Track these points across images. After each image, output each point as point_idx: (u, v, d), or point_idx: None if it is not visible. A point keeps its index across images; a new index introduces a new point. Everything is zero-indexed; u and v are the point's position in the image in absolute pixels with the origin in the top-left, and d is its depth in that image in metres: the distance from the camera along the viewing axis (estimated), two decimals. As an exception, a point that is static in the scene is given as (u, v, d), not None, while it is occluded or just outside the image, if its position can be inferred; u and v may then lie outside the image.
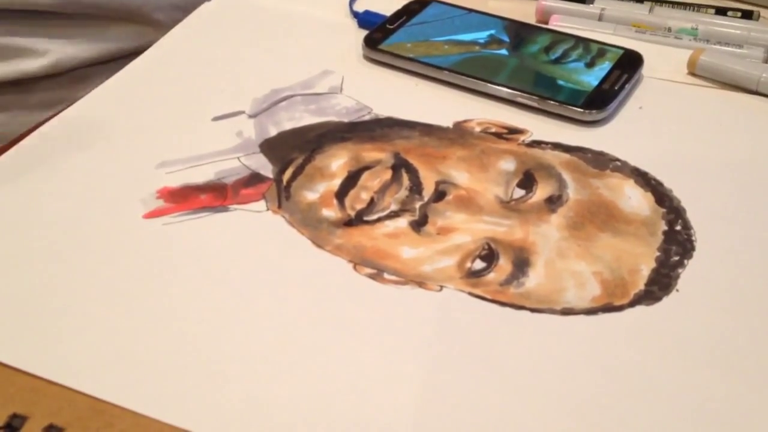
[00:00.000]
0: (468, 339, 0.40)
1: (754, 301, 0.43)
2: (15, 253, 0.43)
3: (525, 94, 0.55)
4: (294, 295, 0.42)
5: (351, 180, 0.49)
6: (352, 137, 0.52)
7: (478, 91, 0.57)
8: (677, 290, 0.43)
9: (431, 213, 0.47)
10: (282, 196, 0.48)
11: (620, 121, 0.55)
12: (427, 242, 0.45)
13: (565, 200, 0.48)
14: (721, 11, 0.66)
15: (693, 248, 0.45)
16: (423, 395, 0.37)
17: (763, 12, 0.66)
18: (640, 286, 0.43)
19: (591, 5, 0.66)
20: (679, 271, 0.44)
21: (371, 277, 0.43)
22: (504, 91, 0.56)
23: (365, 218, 0.46)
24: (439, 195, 0.48)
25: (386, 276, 0.43)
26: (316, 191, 0.48)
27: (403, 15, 0.63)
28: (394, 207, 0.47)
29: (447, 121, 0.54)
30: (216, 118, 0.53)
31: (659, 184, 0.49)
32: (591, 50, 0.60)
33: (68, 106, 0.54)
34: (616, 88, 0.56)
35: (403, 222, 0.46)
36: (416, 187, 0.48)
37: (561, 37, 0.62)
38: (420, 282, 0.43)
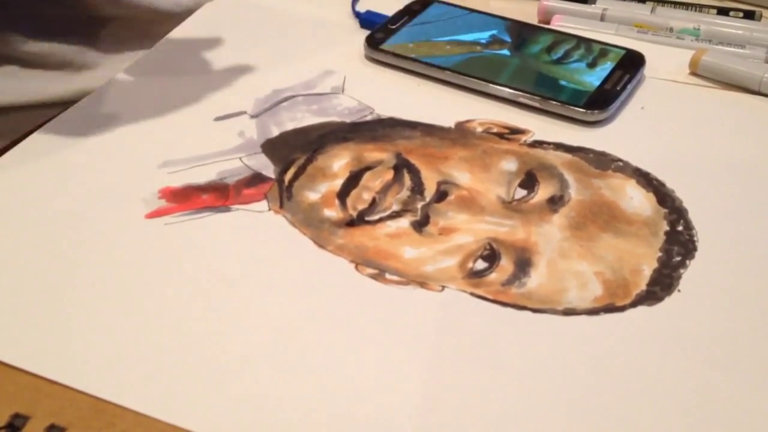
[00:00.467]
0: (470, 339, 0.40)
1: (755, 302, 0.43)
2: (17, 252, 0.43)
3: (527, 95, 0.55)
4: (296, 295, 0.42)
5: (353, 180, 0.49)
6: (354, 137, 0.52)
7: (480, 91, 0.57)
8: (679, 290, 0.43)
9: (433, 213, 0.47)
10: (284, 196, 0.48)
11: (622, 121, 0.55)
12: (428, 242, 0.45)
13: (567, 200, 0.48)
14: (723, 11, 0.66)
15: (695, 249, 0.45)
16: (425, 395, 0.37)
17: (765, 12, 0.66)
18: (642, 286, 0.43)
19: (593, 5, 0.66)
20: (681, 271, 0.44)
21: (373, 277, 0.43)
22: (506, 91, 0.56)
23: (367, 218, 0.46)
24: (441, 195, 0.48)
25: (388, 276, 0.43)
26: (317, 191, 0.48)
27: (405, 15, 0.63)
28: (395, 207, 0.47)
29: (449, 122, 0.54)
30: (218, 119, 0.54)
31: (661, 184, 0.49)
32: (593, 50, 0.60)
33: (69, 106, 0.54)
34: (617, 88, 0.56)
35: (404, 222, 0.46)
36: (418, 188, 0.48)
37: (563, 37, 0.62)
38: (422, 282, 0.43)
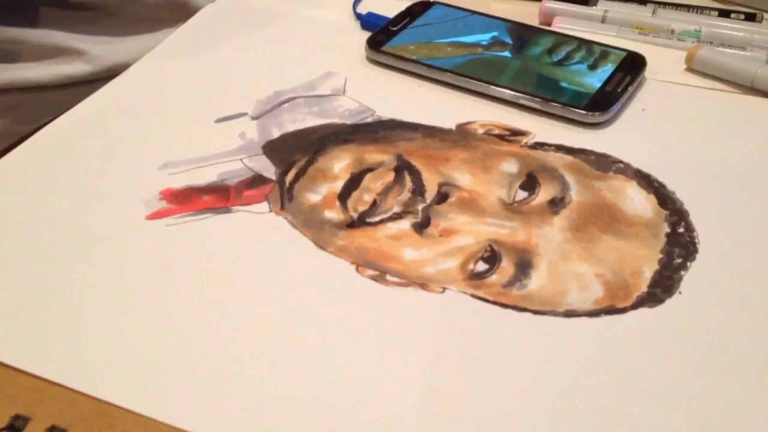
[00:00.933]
0: (470, 341, 0.40)
1: (756, 304, 0.42)
2: (18, 254, 0.43)
3: (528, 96, 0.55)
4: (296, 296, 0.42)
5: (353, 182, 0.49)
6: (355, 139, 0.52)
7: (481, 93, 0.57)
8: (680, 292, 0.43)
9: (434, 215, 0.47)
10: (284, 197, 0.48)
11: (623, 123, 0.55)
12: (429, 244, 0.45)
13: (568, 202, 0.48)
14: (724, 13, 0.66)
15: (696, 250, 0.45)
16: (425, 397, 0.37)
17: (766, 15, 0.66)
18: (643, 288, 0.43)
19: (594, 7, 0.66)
20: (682, 273, 0.44)
21: (374, 278, 0.43)
22: (507, 93, 0.56)
23: (368, 220, 0.46)
24: (442, 197, 0.48)
25: (389, 278, 0.43)
26: (318, 193, 0.48)
27: (406, 17, 0.63)
28: (396, 209, 0.47)
29: (450, 123, 0.54)
30: (219, 120, 0.54)
31: (662, 186, 0.49)
32: (594, 52, 0.60)
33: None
34: (618, 90, 0.56)
35: (405, 224, 0.46)
36: (419, 189, 0.48)
37: (564, 39, 0.62)
38: (422, 284, 0.43)
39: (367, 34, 0.61)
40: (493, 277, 0.43)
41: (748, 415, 0.37)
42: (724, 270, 0.44)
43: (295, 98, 0.56)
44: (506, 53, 0.60)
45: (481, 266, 0.44)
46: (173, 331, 0.40)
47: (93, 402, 0.36)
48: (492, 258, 0.44)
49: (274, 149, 0.51)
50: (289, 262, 0.44)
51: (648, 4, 0.67)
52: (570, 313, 0.41)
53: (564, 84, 0.57)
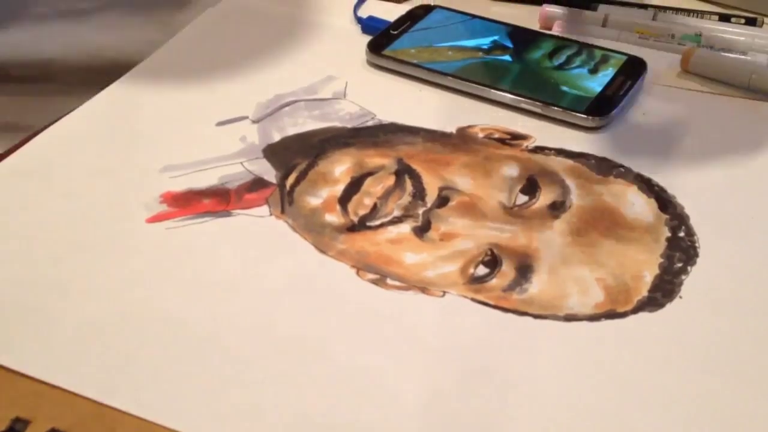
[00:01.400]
0: (471, 345, 0.40)
1: (757, 308, 0.42)
2: (18, 257, 0.43)
3: (528, 100, 0.55)
4: (297, 300, 0.42)
5: (354, 186, 0.49)
6: (356, 143, 0.52)
7: (482, 96, 0.57)
8: (680, 297, 0.43)
9: (434, 219, 0.46)
10: (285, 201, 0.48)
11: (624, 127, 0.55)
12: (430, 248, 0.45)
13: (569, 206, 0.48)
14: (724, 18, 0.66)
15: (696, 255, 0.45)
16: (426, 401, 0.37)
17: (767, 19, 0.66)
18: (644, 292, 0.43)
19: (594, 11, 0.66)
20: (683, 277, 0.44)
21: (374, 282, 0.43)
22: (507, 97, 0.56)
23: (368, 224, 0.46)
24: (443, 201, 0.48)
25: (389, 281, 0.43)
26: (319, 197, 0.48)
27: (407, 20, 0.63)
28: (397, 213, 0.47)
29: (450, 127, 0.54)
30: (220, 123, 0.54)
31: (662, 190, 0.49)
32: (594, 56, 0.60)
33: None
34: (619, 94, 0.56)
35: (406, 228, 0.46)
36: (419, 193, 0.48)
37: (564, 43, 0.62)
38: (423, 287, 0.43)
39: (367, 38, 0.61)
40: (494, 281, 0.43)
41: (748, 420, 0.37)
42: (724, 274, 0.44)
43: (296, 102, 0.56)
44: (507, 57, 0.60)
45: (482, 270, 0.44)
46: (173, 333, 0.40)
47: (93, 405, 0.36)
48: (492, 262, 0.44)
49: (275, 153, 0.51)
50: (290, 266, 0.44)
51: (648, 9, 0.67)
52: (570, 318, 0.41)
53: (564, 88, 0.57)
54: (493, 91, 0.56)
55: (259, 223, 0.46)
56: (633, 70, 0.58)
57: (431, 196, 0.48)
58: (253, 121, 0.54)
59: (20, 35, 0.64)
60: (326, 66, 0.59)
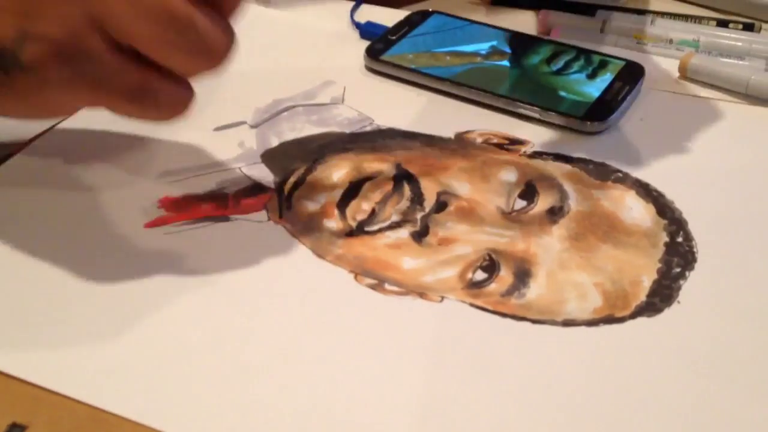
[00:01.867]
0: (469, 350, 0.40)
1: (756, 313, 0.42)
2: (16, 261, 0.43)
3: (526, 105, 0.55)
4: (295, 305, 0.42)
5: (352, 190, 0.49)
6: (354, 148, 0.52)
7: (480, 102, 0.57)
8: (678, 302, 0.43)
9: (432, 224, 0.46)
10: (283, 206, 0.48)
11: (622, 132, 0.55)
12: (428, 253, 0.45)
13: (567, 211, 0.48)
14: (722, 23, 0.66)
15: (695, 260, 0.45)
16: (424, 406, 0.37)
17: (765, 25, 0.66)
18: (642, 297, 0.43)
19: (593, 17, 0.66)
20: (681, 282, 0.44)
21: (372, 287, 0.43)
22: (505, 102, 0.56)
23: (366, 229, 0.46)
24: (441, 206, 0.48)
25: (387, 287, 0.43)
26: (317, 202, 0.48)
27: (405, 26, 0.64)
28: (395, 218, 0.47)
29: (448, 132, 0.54)
30: (218, 129, 0.54)
31: (661, 195, 0.49)
32: (593, 61, 0.60)
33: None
34: (617, 99, 0.56)
35: (404, 233, 0.46)
36: (417, 198, 0.48)
37: (563, 48, 0.62)
38: (421, 293, 0.43)
39: (365, 43, 0.61)
40: (492, 286, 0.43)
41: (747, 425, 0.37)
42: (722, 279, 0.44)
43: (294, 107, 0.56)
44: (505, 62, 0.60)
45: (480, 275, 0.44)
46: (171, 338, 0.40)
47: (91, 410, 0.36)
48: (491, 267, 0.44)
49: (273, 158, 0.51)
50: (288, 271, 0.44)
51: (647, 14, 0.67)
52: (569, 323, 0.41)
53: (563, 93, 0.57)
54: (491, 96, 0.56)
55: (257, 228, 0.46)
56: (631, 75, 0.59)
57: (429, 201, 0.48)
58: (252, 126, 0.54)
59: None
60: (324, 71, 0.59)
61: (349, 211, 0.47)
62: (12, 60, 0.38)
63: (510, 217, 0.47)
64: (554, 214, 0.48)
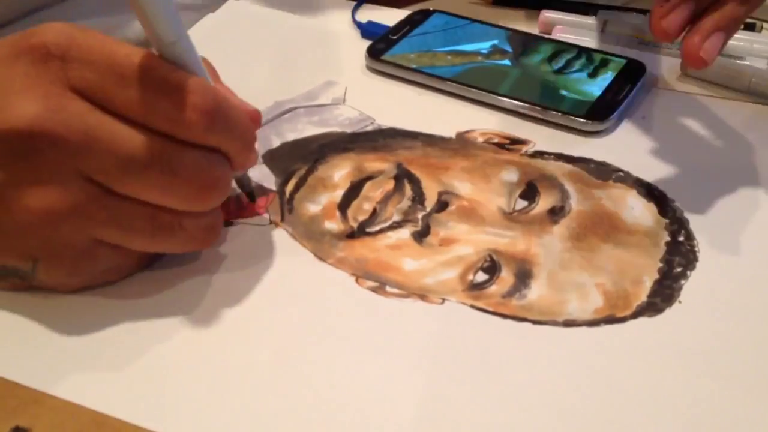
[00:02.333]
0: (470, 351, 0.40)
1: (757, 313, 0.42)
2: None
3: (528, 105, 0.55)
4: (296, 309, 0.42)
5: (353, 190, 0.49)
6: (355, 148, 0.52)
7: (481, 101, 0.57)
8: (680, 302, 0.43)
9: (433, 223, 0.47)
10: (285, 208, 0.48)
11: (623, 131, 0.55)
12: (429, 253, 0.45)
13: (568, 211, 0.48)
14: (723, 22, 0.66)
15: (696, 259, 0.45)
16: (425, 408, 0.37)
17: (765, 25, 0.66)
18: (643, 297, 0.43)
19: (594, 16, 0.66)
20: (682, 282, 0.44)
21: (373, 290, 0.43)
22: (507, 101, 0.56)
23: (367, 230, 0.46)
24: (442, 205, 0.48)
25: (388, 289, 0.43)
26: (318, 203, 0.48)
27: (406, 25, 0.63)
28: (396, 217, 0.47)
29: (450, 132, 0.54)
30: (219, 129, 0.54)
31: (662, 194, 0.49)
32: (594, 60, 0.60)
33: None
34: (618, 98, 0.56)
35: (405, 233, 0.46)
36: (419, 198, 0.48)
37: (564, 47, 0.62)
38: (422, 295, 0.43)
39: (367, 43, 0.61)
40: (493, 288, 0.43)
41: (748, 424, 0.37)
42: (724, 279, 0.44)
43: (295, 108, 0.56)
44: (506, 62, 0.60)
45: (481, 276, 0.44)
46: (172, 343, 0.40)
47: (92, 414, 0.36)
48: (492, 268, 0.44)
49: (275, 158, 0.51)
50: (290, 275, 0.44)
51: (648, 14, 0.67)
52: (570, 323, 0.41)
53: (564, 92, 0.57)
54: (492, 95, 0.56)
55: (259, 231, 0.46)
56: (632, 73, 0.59)
57: (430, 201, 0.48)
58: (253, 127, 0.54)
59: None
60: (325, 71, 0.59)
61: (350, 211, 0.47)
62: (28, 276, 0.40)
63: (511, 217, 0.47)
64: (555, 213, 0.48)
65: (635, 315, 0.42)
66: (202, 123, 0.38)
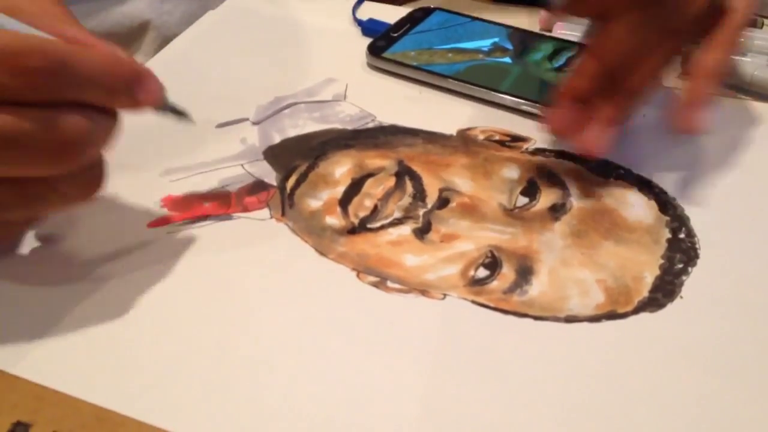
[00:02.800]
0: (471, 347, 0.40)
1: (758, 308, 0.42)
2: (19, 262, 0.43)
3: (528, 102, 0.55)
4: (297, 303, 0.42)
5: (354, 187, 0.49)
6: (356, 144, 0.52)
7: (482, 98, 0.57)
8: (681, 297, 0.43)
9: (435, 220, 0.47)
10: (286, 203, 0.48)
11: (624, 128, 0.55)
12: (430, 250, 0.45)
13: (569, 208, 0.48)
14: (724, 19, 0.66)
15: (697, 256, 0.45)
16: (426, 403, 0.37)
17: (767, 21, 0.66)
18: (644, 293, 0.43)
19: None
20: (683, 278, 0.44)
21: (374, 285, 0.43)
22: (507, 99, 0.56)
23: (369, 226, 0.46)
24: (443, 202, 0.48)
25: (389, 284, 0.43)
26: (319, 199, 0.48)
27: (407, 23, 0.63)
28: (397, 214, 0.47)
29: (450, 129, 0.54)
30: (220, 125, 0.54)
31: (663, 191, 0.49)
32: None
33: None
34: (619, 95, 0.56)
35: (406, 229, 0.46)
36: (420, 194, 0.48)
37: (564, 44, 0.62)
38: (423, 290, 0.43)
39: (367, 40, 0.61)
40: (494, 284, 0.43)
41: (749, 419, 0.37)
42: (725, 274, 0.44)
43: (296, 104, 0.56)
44: (507, 59, 0.60)
45: (482, 272, 0.44)
46: (174, 337, 0.40)
47: (94, 409, 0.36)
48: (493, 264, 0.44)
49: (275, 154, 0.51)
50: (290, 270, 0.44)
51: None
52: (571, 319, 0.41)
53: (565, 90, 0.57)
54: (493, 93, 0.56)
55: (259, 226, 0.46)
56: (633, 71, 0.58)
57: (432, 198, 0.48)
58: (254, 123, 0.54)
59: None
60: (326, 68, 0.59)
61: (351, 207, 0.47)
62: None
63: (512, 214, 0.47)
64: (556, 210, 0.48)
65: (636, 310, 0.42)
66: (42, 82, 0.36)
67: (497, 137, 0.54)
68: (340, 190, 0.48)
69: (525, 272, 0.44)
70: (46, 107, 0.36)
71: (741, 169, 0.52)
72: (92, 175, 0.40)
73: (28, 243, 0.44)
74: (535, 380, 0.38)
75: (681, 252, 0.45)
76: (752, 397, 0.38)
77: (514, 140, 0.53)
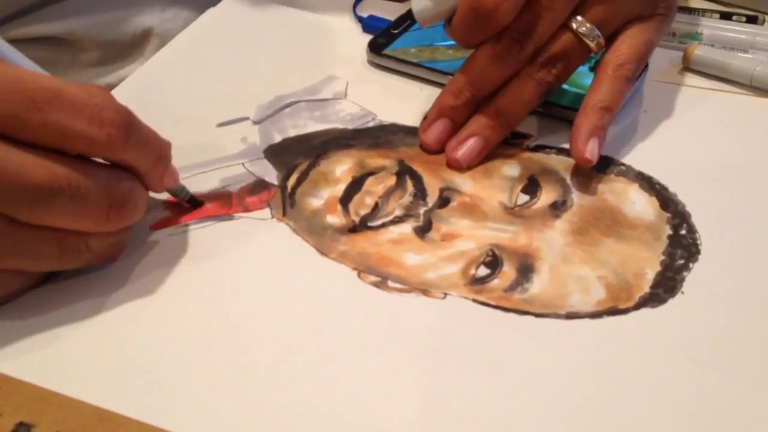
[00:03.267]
0: (472, 345, 0.40)
1: (759, 304, 0.43)
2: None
3: (529, 99, 0.55)
4: (299, 303, 0.42)
5: (355, 185, 0.49)
6: (356, 144, 0.52)
7: (483, 96, 0.57)
8: (683, 292, 0.43)
9: (435, 219, 0.47)
10: (286, 203, 0.48)
11: (625, 125, 0.55)
12: (431, 249, 0.45)
13: (570, 206, 0.48)
14: (725, 16, 0.66)
15: (698, 252, 0.45)
16: (428, 402, 0.37)
17: (768, 17, 0.66)
18: (645, 289, 0.43)
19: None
20: (685, 274, 0.44)
21: (375, 284, 0.43)
22: (508, 95, 0.56)
23: (369, 224, 0.46)
24: (444, 201, 0.48)
25: (390, 284, 0.43)
26: (320, 197, 0.48)
27: (408, 19, 0.63)
28: (398, 212, 0.47)
29: (451, 127, 0.54)
30: (220, 124, 0.54)
31: (664, 188, 0.49)
32: (595, 54, 0.60)
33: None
34: (620, 92, 0.56)
35: (407, 228, 0.46)
36: (420, 193, 0.48)
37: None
38: (424, 289, 0.43)
39: (368, 37, 0.61)
40: (495, 282, 0.43)
41: (751, 415, 0.37)
42: (726, 271, 0.44)
43: (296, 102, 0.56)
44: (507, 56, 0.60)
45: (483, 271, 0.44)
46: (176, 338, 0.40)
47: (96, 410, 0.36)
48: (493, 263, 0.44)
49: (276, 153, 0.51)
50: (291, 270, 0.44)
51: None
52: (572, 315, 0.42)
53: (565, 86, 0.56)
54: (493, 90, 0.56)
55: (260, 226, 0.46)
56: (634, 67, 0.58)
57: (432, 197, 0.48)
58: (254, 122, 0.54)
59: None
60: (327, 66, 0.59)
61: (352, 205, 0.47)
62: None
63: (513, 212, 0.47)
64: (557, 208, 0.48)
65: (638, 306, 0.42)
66: (120, 138, 0.37)
67: (498, 135, 0.53)
68: (340, 189, 0.48)
69: (526, 270, 0.44)
70: (111, 165, 0.38)
71: (742, 166, 0.52)
72: (122, 238, 0.42)
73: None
74: (536, 377, 0.38)
75: (682, 248, 0.45)
76: (753, 393, 0.38)
77: (514, 137, 0.53)
